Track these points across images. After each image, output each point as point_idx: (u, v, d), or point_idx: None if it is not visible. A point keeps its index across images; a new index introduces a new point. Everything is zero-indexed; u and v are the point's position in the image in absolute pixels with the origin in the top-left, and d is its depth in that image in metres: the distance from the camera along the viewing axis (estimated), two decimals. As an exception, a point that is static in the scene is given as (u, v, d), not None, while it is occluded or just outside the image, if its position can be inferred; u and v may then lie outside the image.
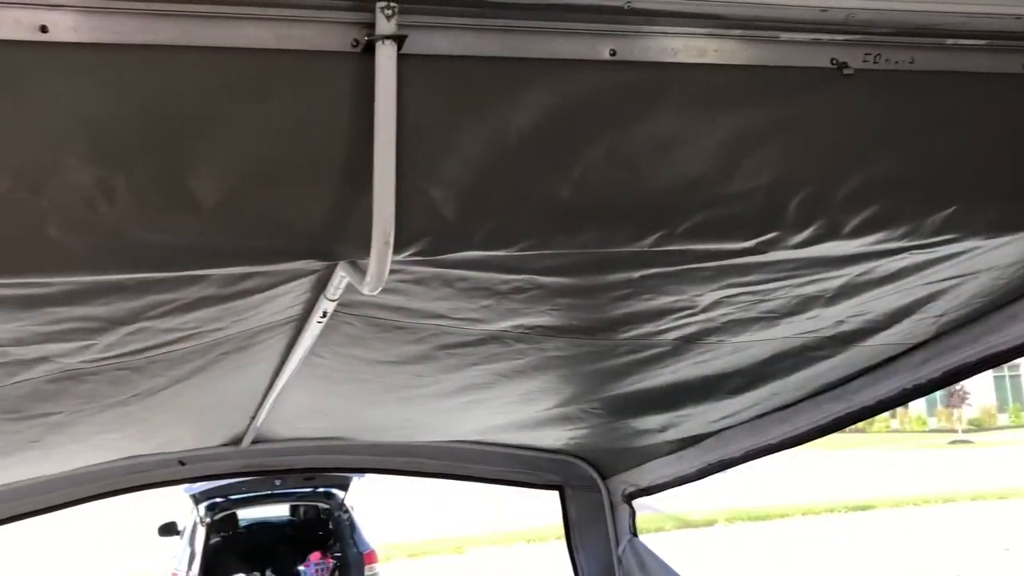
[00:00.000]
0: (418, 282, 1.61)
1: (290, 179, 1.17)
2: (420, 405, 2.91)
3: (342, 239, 1.22)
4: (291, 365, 2.20)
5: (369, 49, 1.14)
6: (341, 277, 1.49)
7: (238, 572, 10.48)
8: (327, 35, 1.14)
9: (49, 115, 1.05)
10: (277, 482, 10.35)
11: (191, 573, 10.12)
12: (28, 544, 17.51)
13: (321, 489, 11.20)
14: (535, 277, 1.62)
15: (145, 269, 1.19)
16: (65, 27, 1.04)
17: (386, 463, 4.22)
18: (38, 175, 1.06)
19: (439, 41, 1.19)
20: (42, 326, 1.44)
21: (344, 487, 11.21)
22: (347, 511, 11.27)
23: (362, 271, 1.30)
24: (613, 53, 1.26)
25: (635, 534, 4.05)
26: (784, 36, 1.33)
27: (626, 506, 4.04)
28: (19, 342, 1.51)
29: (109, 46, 1.06)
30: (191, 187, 1.12)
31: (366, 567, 10.61)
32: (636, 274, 1.63)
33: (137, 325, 1.54)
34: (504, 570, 16.69)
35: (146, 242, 1.13)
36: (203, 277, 1.36)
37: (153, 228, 1.12)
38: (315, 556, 10.82)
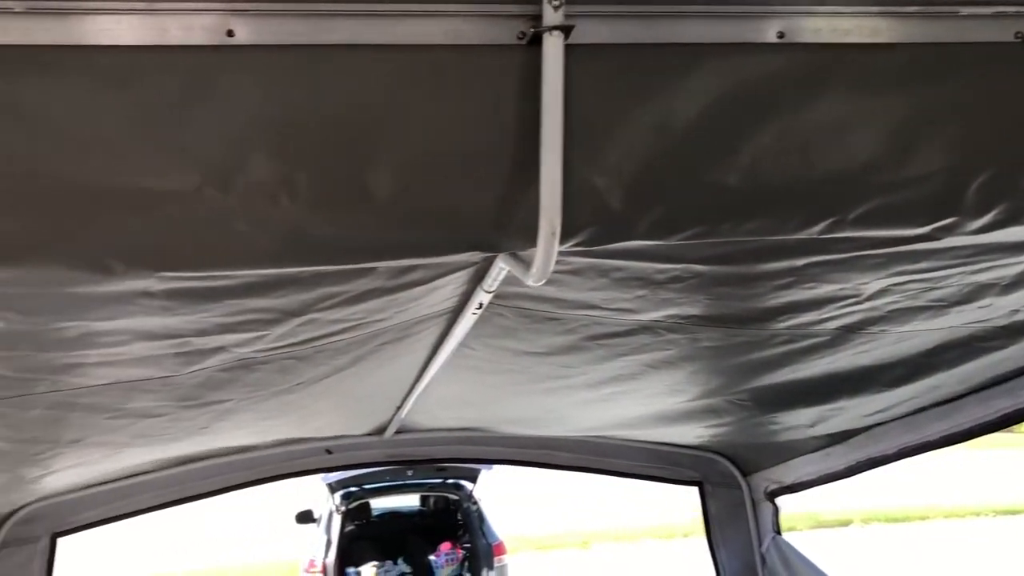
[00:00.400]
0: (574, 272, 1.61)
1: (458, 172, 1.19)
2: (564, 396, 2.91)
3: (507, 231, 1.23)
4: (442, 356, 2.24)
5: (535, 41, 1.14)
6: (500, 269, 1.50)
7: (372, 560, 10.71)
8: (494, 29, 1.15)
9: (235, 115, 1.10)
10: (409, 472, 10.58)
11: (327, 559, 10.41)
12: (175, 529, 18.49)
13: (451, 480, 11.36)
14: (693, 266, 1.60)
15: (322, 262, 1.24)
16: (248, 30, 1.08)
17: (523, 455, 4.26)
18: (226, 173, 1.10)
19: (602, 29, 1.18)
20: (222, 317, 1.52)
21: (473, 479, 11.31)
22: (476, 502, 11.37)
23: (524, 262, 1.31)
24: (781, 35, 1.23)
25: (779, 532, 3.95)
26: (965, 11, 1.26)
27: (769, 503, 3.94)
28: (201, 333, 1.60)
29: (288, 47, 1.10)
30: (366, 182, 1.15)
31: (495, 558, 10.70)
32: (800, 262, 1.58)
33: (307, 316, 1.60)
34: (629, 566, 16.58)
35: (324, 236, 1.17)
36: (372, 270, 1.40)
37: (331, 222, 1.17)
38: (445, 546, 10.97)
